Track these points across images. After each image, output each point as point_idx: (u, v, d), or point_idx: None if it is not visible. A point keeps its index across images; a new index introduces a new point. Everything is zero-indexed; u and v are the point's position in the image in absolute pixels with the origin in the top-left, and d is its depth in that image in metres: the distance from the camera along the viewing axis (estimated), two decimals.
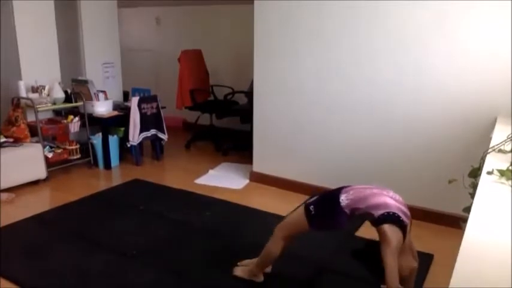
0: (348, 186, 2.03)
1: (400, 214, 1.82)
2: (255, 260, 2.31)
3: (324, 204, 2.04)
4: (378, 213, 1.84)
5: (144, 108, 4.28)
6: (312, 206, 2.04)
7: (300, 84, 3.51)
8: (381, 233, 1.81)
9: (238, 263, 2.43)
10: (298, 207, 2.13)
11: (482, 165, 1.71)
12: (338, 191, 2.01)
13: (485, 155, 1.80)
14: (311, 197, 2.12)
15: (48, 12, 4.10)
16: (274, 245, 2.17)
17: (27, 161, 3.67)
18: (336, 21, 3.23)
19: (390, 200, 1.88)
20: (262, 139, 3.87)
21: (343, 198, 1.95)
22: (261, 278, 2.29)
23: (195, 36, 5.59)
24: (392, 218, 1.81)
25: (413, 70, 3.01)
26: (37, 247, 2.70)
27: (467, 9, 2.74)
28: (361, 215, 1.94)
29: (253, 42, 3.67)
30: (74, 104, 4.12)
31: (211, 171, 4.21)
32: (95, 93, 4.18)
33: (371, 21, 3.09)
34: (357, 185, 2.02)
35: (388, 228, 1.79)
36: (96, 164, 4.29)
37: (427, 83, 2.97)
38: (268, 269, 2.36)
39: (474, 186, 1.69)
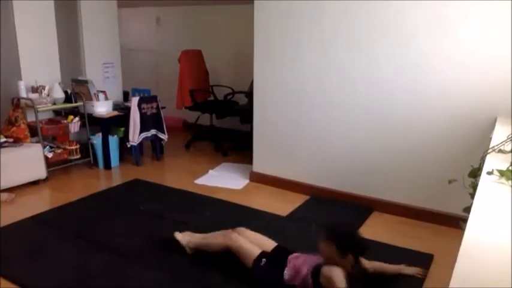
0: (291, 255, 2.26)
1: (317, 262, 2.13)
2: (196, 235, 2.61)
3: (273, 265, 2.24)
4: (309, 274, 2.11)
5: (144, 108, 4.28)
6: (264, 259, 2.25)
7: (300, 84, 3.51)
8: (324, 276, 2.05)
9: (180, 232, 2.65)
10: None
11: (482, 166, 1.71)
12: (285, 260, 2.23)
13: (485, 155, 1.80)
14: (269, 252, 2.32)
15: (48, 12, 4.10)
16: (219, 244, 2.44)
17: (27, 161, 3.67)
18: (336, 21, 3.23)
19: (308, 259, 2.19)
20: (262, 139, 3.87)
21: (286, 272, 2.19)
22: (190, 252, 2.57)
23: (195, 36, 5.59)
24: (317, 268, 2.10)
25: (413, 70, 3.01)
26: (37, 247, 2.70)
27: (468, 9, 2.74)
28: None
29: (253, 42, 3.67)
30: (74, 104, 4.12)
31: (211, 172, 4.21)
32: (94, 93, 4.18)
33: (371, 21, 3.09)
34: (294, 254, 2.26)
35: (325, 270, 2.06)
36: (96, 164, 4.30)
37: (427, 83, 2.97)
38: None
39: (474, 187, 1.69)
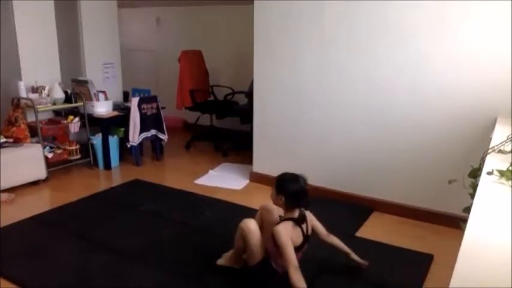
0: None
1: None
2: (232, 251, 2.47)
3: (269, 267, 2.26)
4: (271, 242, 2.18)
5: (144, 109, 4.28)
6: (265, 265, 2.25)
7: (300, 84, 3.51)
8: (274, 234, 2.15)
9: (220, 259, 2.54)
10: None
11: (482, 166, 1.71)
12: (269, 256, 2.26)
13: (485, 155, 1.80)
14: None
15: (48, 12, 4.10)
16: (239, 236, 2.33)
17: (27, 161, 3.67)
18: (336, 21, 3.23)
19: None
20: (262, 139, 3.87)
21: (272, 263, 2.23)
22: (239, 266, 2.43)
23: (195, 36, 5.60)
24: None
25: (413, 70, 3.01)
26: (37, 247, 2.70)
27: (468, 9, 2.74)
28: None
29: (253, 42, 3.67)
30: (74, 105, 4.12)
31: (211, 172, 4.21)
32: (94, 94, 4.18)
33: (371, 21, 3.09)
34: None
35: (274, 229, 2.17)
36: (96, 164, 4.30)
37: (427, 83, 2.97)
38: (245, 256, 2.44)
39: (474, 187, 1.69)
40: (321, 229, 2.37)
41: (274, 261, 2.22)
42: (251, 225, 2.27)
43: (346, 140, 3.40)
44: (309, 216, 2.32)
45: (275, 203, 2.29)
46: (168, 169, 4.48)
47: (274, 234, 2.13)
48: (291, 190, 2.21)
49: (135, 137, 4.27)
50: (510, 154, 1.77)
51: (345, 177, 3.47)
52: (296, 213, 2.23)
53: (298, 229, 2.20)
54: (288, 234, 2.13)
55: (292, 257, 2.07)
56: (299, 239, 2.19)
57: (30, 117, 3.91)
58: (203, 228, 3.01)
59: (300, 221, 2.22)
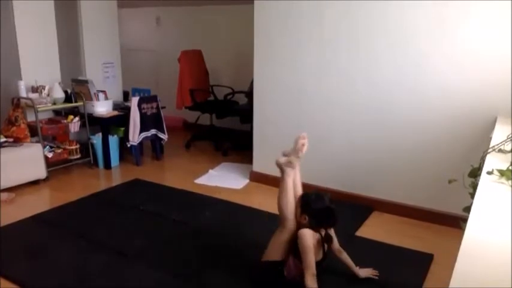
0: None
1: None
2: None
3: (280, 272, 2.24)
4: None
5: (144, 108, 4.28)
6: (280, 268, 2.23)
7: (300, 84, 3.51)
8: (298, 238, 2.13)
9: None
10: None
11: (482, 165, 1.71)
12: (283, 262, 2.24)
13: (485, 155, 1.80)
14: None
15: (48, 12, 4.10)
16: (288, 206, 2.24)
17: (27, 161, 3.67)
18: (336, 21, 3.23)
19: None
20: (262, 139, 3.87)
21: (285, 270, 2.21)
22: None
23: (195, 36, 5.60)
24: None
25: (413, 70, 3.01)
26: (37, 247, 2.71)
27: (468, 9, 2.74)
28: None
29: (253, 42, 3.67)
30: (74, 104, 4.12)
31: (211, 171, 4.22)
32: (95, 93, 4.19)
33: (371, 21, 3.09)
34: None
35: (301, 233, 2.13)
36: (96, 164, 4.30)
37: (427, 83, 2.97)
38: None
39: (474, 186, 1.69)
40: (335, 243, 2.33)
41: (287, 268, 2.20)
42: (292, 224, 2.21)
43: (346, 140, 3.40)
44: (332, 234, 2.30)
45: (299, 223, 2.24)
46: (168, 169, 4.48)
47: (298, 236, 2.10)
48: (315, 209, 2.17)
49: (135, 136, 4.27)
50: (510, 154, 1.77)
51: (345, 177, 3.47)
52: (322, 234, 2.20)
53: (321, 247, 2.19)
54: (312, 242, 2.10)
55: (312, 262, 2.06)
56: (318, 256, 2.18)
57: (30, 117, 3.91)
58: (203, 228, 3.01)
59: (325, 241, 2.19)
